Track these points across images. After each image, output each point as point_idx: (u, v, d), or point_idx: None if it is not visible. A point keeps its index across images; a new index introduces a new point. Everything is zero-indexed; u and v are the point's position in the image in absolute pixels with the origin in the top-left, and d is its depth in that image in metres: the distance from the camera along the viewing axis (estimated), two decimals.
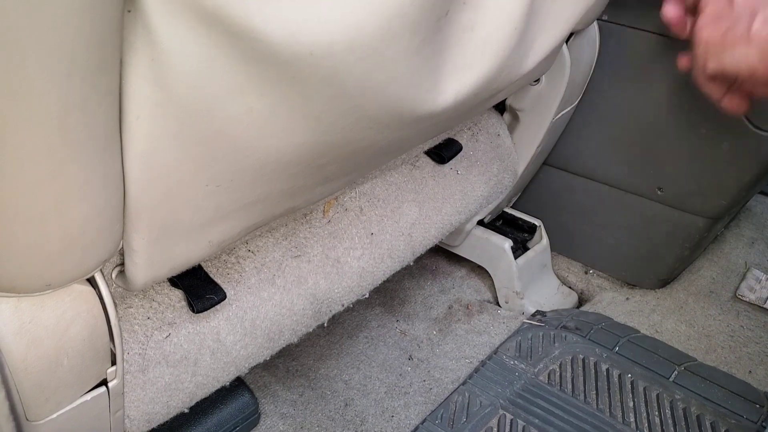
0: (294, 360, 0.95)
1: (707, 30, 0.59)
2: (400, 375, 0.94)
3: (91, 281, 0.48)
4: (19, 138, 0.34)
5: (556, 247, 1.14)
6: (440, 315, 1.06)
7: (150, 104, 0.39)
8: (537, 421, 0.82)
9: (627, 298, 1.07)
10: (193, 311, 0.61)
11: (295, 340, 0.72)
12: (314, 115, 0.45)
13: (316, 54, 0.40)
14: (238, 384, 0.84)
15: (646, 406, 0.85)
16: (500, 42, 0.53)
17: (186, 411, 0.64)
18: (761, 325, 0.99)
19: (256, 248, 0.68)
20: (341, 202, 0.76)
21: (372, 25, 0.41)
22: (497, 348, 0.94)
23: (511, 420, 0.83)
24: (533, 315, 1.02)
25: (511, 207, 1.14)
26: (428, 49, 0.47)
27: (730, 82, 0.62)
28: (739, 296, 1.04)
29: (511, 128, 0.97)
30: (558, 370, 0.90)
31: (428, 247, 0.88)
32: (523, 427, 0.82)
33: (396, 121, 0.51)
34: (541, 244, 1.10)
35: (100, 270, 0.48)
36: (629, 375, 0.88)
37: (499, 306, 1.09)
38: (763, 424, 0.81)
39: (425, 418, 0.84)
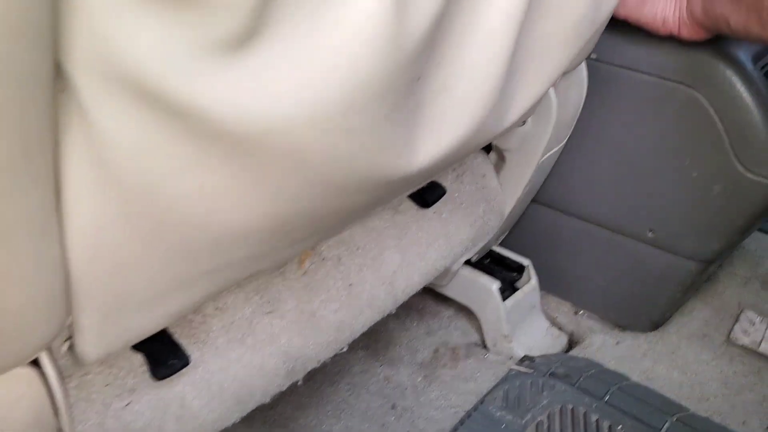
0: (271, 409, 0.92)
1: None
2: (383, 425, 0.91)
3: (36, 361, 0.45)
4: None
5: (545, 286, 1.11)
6: (426, 359, 1.02)
7: (90, 184, 0.36)
8: None
9: (618, 342, 1.03)
10: (154, 378, 0.58)
11: (267, 400, 0.68)
12: (274, 187, 0.42)
13: (272, 131, 0.37)
14: None
15: None
16: (478, 101, 0.51)
17: None
18: (755, 371, 0.96)
19: (224, 306, 0.64)
20: (318, 251, 0.73)
21: (333, 98, 0.38)
22: (484, 397, 0.91)
23: None
24: (521, 360, 0.99)
25: (500, 245, 1.10)
26: (399, 114, 0.44)
27: None
28: (733, 339, 1.01)
29: (498, 168, 0.95)
30: (546, 421, 0.87)
31: (411, 294, 0.85)
32: None
33: (366, 186, 0.48)
34: (530, 284, 1.06)
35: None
36: (620, 426, 0.85)
37: (487, 349, 1.05)
38: None
39: None
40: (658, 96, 0.86)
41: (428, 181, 0.74)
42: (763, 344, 0.99)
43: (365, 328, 0.78)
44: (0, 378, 0.42)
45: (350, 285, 0.74)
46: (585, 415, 0.87)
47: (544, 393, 0.90)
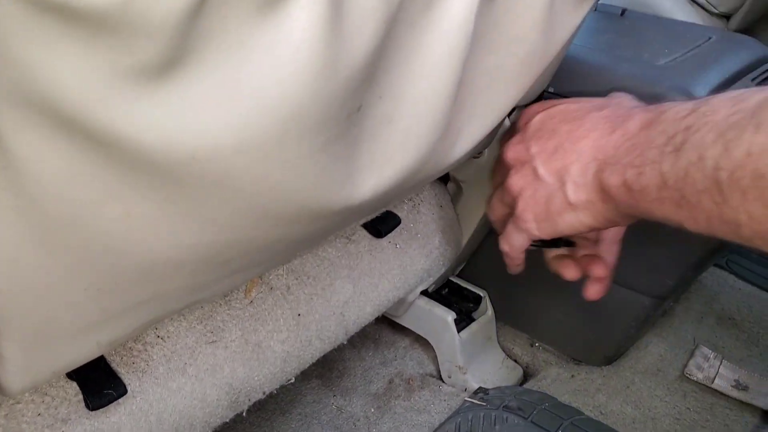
0: None
1: (528, 206, 0.63)
2: None
3: None
4: None
5: (502, 317, 1.11)
6: (380, 390, 1.01)
7: (8, 212, 0.35)
8: None
9: (572, 376, 1.03)
10: (88, 408, 0.56)
11: None
12: (206, 216, 0.41)
13: (199, 158, 0.36)
14: None
15: None
16: (423, 134, 0.50)
17: None
18: (708, 407, 0.96)
19: (166, 334, 0.63)
20: (266, 280, 0.72)
21: (264, 127, 0.37)
22: (435, 430, 0.90)
23: None
24: (475, 392, 0.98)
25: (458, 275, 1.10)
26: (338, 145, 0.44)
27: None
28: (687, 375, 1.01)
29: (455, 199, 0.94)
30: None
31: (363, 325, 0.84)
32: None
33: (306, 217, 0.47)
34: (486, 315, 1.06)
35: None
36: None
37: (442, 380, 1.04)
38: None
39: None
40: None
41: (379, 211, 0.74)
42: (716, 380, 0.99)
43: (314, 360, 0.77)
44: None
45: (299, 315, 0.73)
46: None
47: (497, 426, 0.89)
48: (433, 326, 1.03)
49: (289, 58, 0.35)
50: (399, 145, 0.50)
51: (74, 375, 0.57)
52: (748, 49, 0.97)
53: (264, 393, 0.71)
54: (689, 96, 0.83)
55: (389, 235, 0.84)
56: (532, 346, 1.10)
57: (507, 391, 0.98)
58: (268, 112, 0.37)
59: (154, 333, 0.62)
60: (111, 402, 0.57)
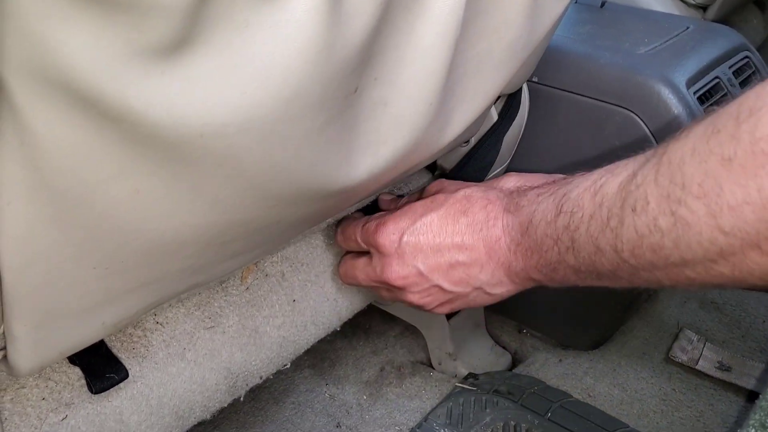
0: (215, 428, 0.91)
1: (443, 308, 0.69)
2: None
3: None
4: None
5: (490, 305, 1.12)
6: (372, 378, 1.03)
7: (22, 188, 0.36)
8: None
9: (560, 360, 1.05)
10: (91, 392, 0.57)
11: (208, 416, 0.68)
12: (210, 195, 0.42)
13: (206, 136, 0.37)
14: None
15: None
16: (415, 117, 0.52)
17: None
18: (693, 387, 0.98)
19: (165, 320, 0.64)
20: (261, 267, 0.73)
21: (268, 106, 0.38)
22: (427, 415, 0.91)
23: None
24: (465, 378, 1.00)
25: None
26: (336, 126, 0.45)
27: None
28: (672, 357, 1.03)
29: None
30: None
31: (356, 311, 0.85)
32: None
33: (304, 198, 0.49)
34: None
35: None
36: None
37: (432, 367, 1.06)
38: None
39: None
40: (597, 117, 0.88)
41: (371, 198, 0.75)
42: (700, 362, 1.01)
43: (309, 345, 0.78)
44: None
45: (294, 301, 0.74)
46: (527, 431, 0.88)
47: (488, 410, 0.91)
48: (423, 314, 1.05)
49: (292, 38, 0.37)
50: (393, 127, 0.51)
51: (77, 360, 0.58)
52: (725, 38, 0.99)
53: (261, 378, 0.72)
54: (669, 84, 0.85)
55: None
56: (520, 332, 1.12)
57: (497, 376, 1.00)
58: (272, 91, 0.38)
59: (153, 319, 0.64)
60: (113, 385, 0.58)
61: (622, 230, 0.48)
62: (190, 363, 0.64)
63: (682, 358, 1.03)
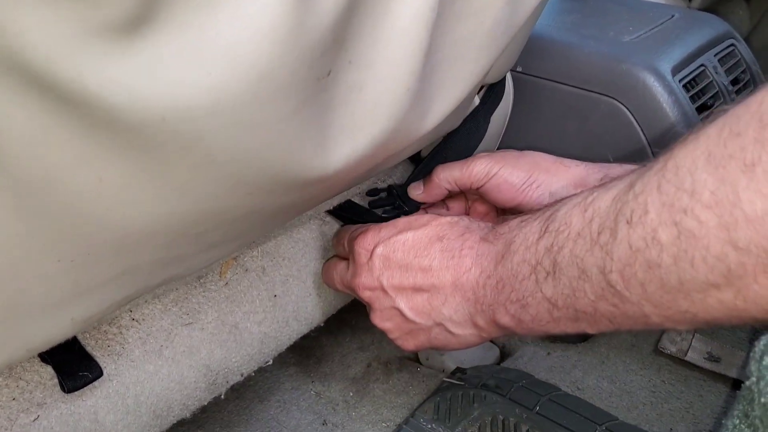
0: (199, 428, 0.89)
1: (403, 341, 0.67)
2: None
3: None
4: None
5: None
6: (358, 374, 1.01)
7: None
8: None
9: (548, 353, 1.04)
10: (64, 391, 0.55)
11: (188, 415, 0.66)
12: (178, 183, 0.41)
13: (169, 120, 0.36)
14: None
15: None
16: (392, 103, 0.50)
17: None
18: (682, 379, 0.98)
19: (141, 317, 0.62)
20: (241, 262, 0.72)
21: (236, 87, 0.37)
22: (414, 410, 0.90)
23: None
24: (453, 372, 0.99)
25: None
26: (309, 110, 0.44)
27: None
28: (661, 348, 1.02)
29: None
30: None
31: (340, 306, 0.84)
32: None
33: (280, 186, 0.47)
34: None
35: None
36: None
37: (420, 363, 1.05)
38: None
39: None
40: (583, 106, 0.87)
41: (352, 186, 0.73)
42: (689, 353, 1.01)
43: (291, 341, 0.76)
44: None
45: (275, 296, 0.73)
46: (516, 425, 0.86)
47: (475, 404, 0.90)
48: None
49: (257, 17, 0.35)
50: (370, 113, 0.50)
51: (49, 358, 0.56)
52: (710, 26, 0.98)
53: (242, 375, 0.71)
54: (655, 72, 0.84)
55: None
56: None
57: (484, 370, 0.99)
58: (239, 73, 0.36)
59: (129, 316, 0.62)
60: (87, 384, 0.56)
61: (614, 246, 0.43)
62: (168, 360, 0.63)
63: (671, 349, 1.02)
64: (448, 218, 0.63)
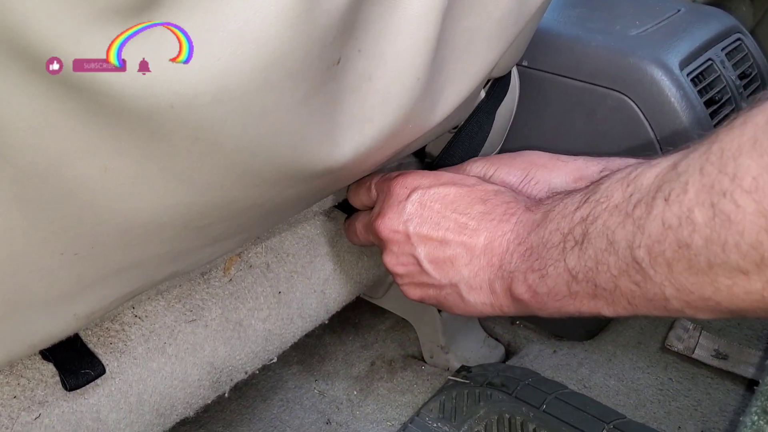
0: (201, 427, 0.88)
1: (412, 290, 0.64)
2: None
3: None
4: None
5: None
6: (362, 373, 1.00)
7: None
8: None
9: (554, 351, 1.03)
10: (66, 389, 0.54)
11: (191, 413, 0.65)
12: (185, 173, 0.40)
13: (177, 107, 0.35)
14: None
15: None
16: (402, 93, 0.49)
17: None
18: (689, 377, 0.97)
19: (144, 313, 0.61)
20: (245, 258, 0.70)
21: (244, 74, 0.36)
22: (420, 409, 0.89)
23: None
24: (458, 371, 0.98)
25: None
26: (318, 99, 0.43)
27: None
28: (668, 346, 1.01)
29: None
30: (483, 431, 0.85)
31: (344, 304, 0.83)
32: None
33: (287, 177, 0.46)
34: None
35: None
36: None
37: (424, 361, 1.04)
38: None
39: None
40: (590, 101, 0.86)
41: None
42: (696, 350, 1.00)
43: (296, 339, 0.75)
44: None
45: (279, 293, 0.72)
46: (522, 424, 0.85)
47: (481, 403, 0.89)
48: (414, 307, 1.03)
49: (268, 1, 0.34)
50: (379, 103, 0.49)
51: (50, 355, 0.55)
52: (717, 20, 0.97)
53: (246, 373, 0.69)
54: (662, 66, 0.83)
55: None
56: (512, 323, 1.10)
57: (490, 368, 0.98)
58: (248, 59, 0.35)
59: (132, 312, 0.61)
60: (89, 382, 0.55)
61: (647, 221, 0.42)
62: (171, 358, 0.62)
63: (678, 347, 1.01)
64: (494, 186, 0.61)
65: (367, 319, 1.11)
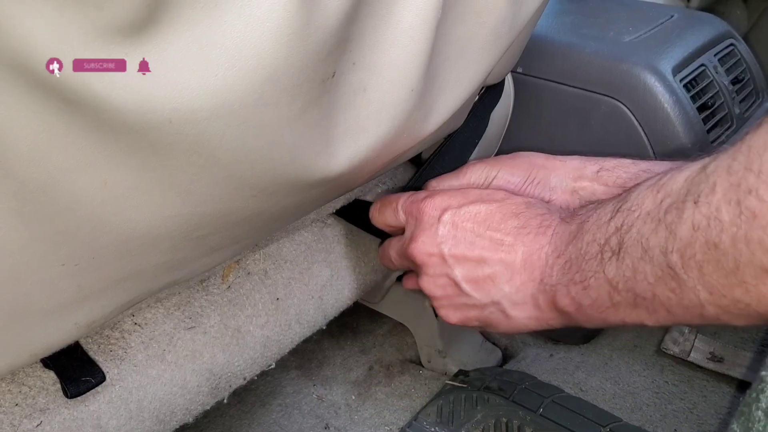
0: None
1: (452, 314, 0.64)
2: None
3: None
4: None
5: None
6: (360, 377, 1.01)
7: None
8: None
9: (551, 355, 1.04)
10: (67, 396, 0.55)
11: (191, 419, 0.66)
12: (183, 185, 0.40)
13: (176, 122, 0.35)
14: None
15: None
16: (396, 104, 0.50)
17: None
18: (685, 379, 0.97)
19: (143, 321, 0.62)
20: (243, 265, 0.71)
21: (241, 90, 0.36)
22: (417, 413, 0.90)
23: None
24: (456, 375, 0.98)
25: None
26: (314, 112, 0.43)
27: None
28: (663, 349, 1.02)
29: None
30: None
31: (342, 309, 0.83)
32: None
33: (284, 188, 0.47)
34: None
35: None
36: None
37: (422, 365, 1.04)
38: None
39: None
40: (584, 107, 0.87)
41: (354, 188, 0.73)
42: (692, 353, 1.00)
43: (294, 344, 0.76)
44: None
45: (277, 299, 0.73)
46: (519, 427, 0.86)
47: (479, 407, 0.89)
48: (412, 311, 1.03)
49: (263, 18, 0.35)
50: (373, 114, 0.49)
51: (51, 364, 0.56)
52: (710, 26, 0.98)
53: (245, 379, 0.70)
54: (656, 72, 0.84)
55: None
56: None
57: (487, 372, 0.98)
58: (244, 75, 0.36)
59: (131, 320, 0.62)
60: (89, 389, 0.56)
61: (678, 225, 0.42)
62: (171, 365, 0.62)
63: (674, 350, 1.02)
64: (524, 198, 0.61)
65: (364, 323, 1.12)
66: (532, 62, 0.90)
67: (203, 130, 0.37)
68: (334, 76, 0.44)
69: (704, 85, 0.89)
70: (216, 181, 0.42)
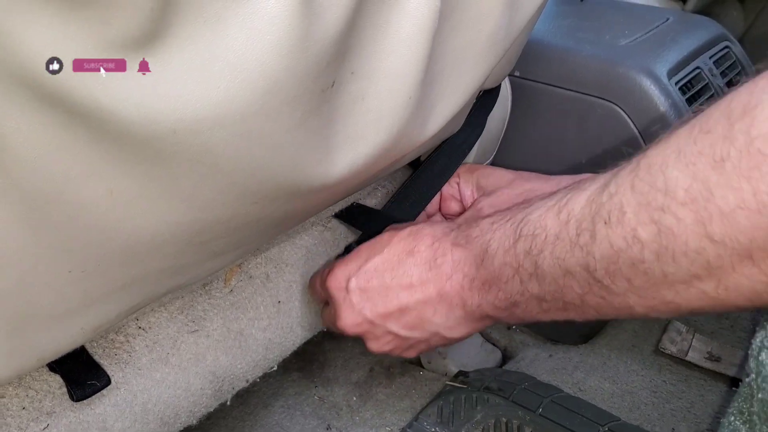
0: None
1: (405, 353, 0.67)
2: None
3: None
4: None
5: None
6: (361, 378, 1.02)
7: None
8: None
9: (550, 355, 1.05)
10: (73, 399, 0.56)
11: (195, 422, 0.67)
12: (187, 193, 0.42)
13: (180, 132, 0.36)
14: None
15: None
16: (395, 111, 0.51)
17: None
18: (683, 379, 0.98)
19: (147, 325, 0.63)
20: (245, 269, 0.72)
21: (243, 101, 0.37)
22: (418, 414, 0.91)
23: None
24: (456, 376, 0.99)
25: None
26: (314, 121, 0.44)
27: None
28: (661, 349, 1.03)
29: None
30: None
31: None
32: None
33: (284, 194, 0.48)
34: None
35: None
36: None
37: (422, 367, 1.05)
38: None
39: None
40: (580, 110, 0.88)
41: (352, 194, 0.74)
42: (690, 353, 1.01)
43: (296, 347, 0.77)
44: None
45: (279, 302, 0.74)
46: (519, 427, 0.87)
47: (478, 407, 0.90)
48: None
49: (265, 31, 0.36)
50: (372, 122, 0.50)
51: (57, 367, 0.57)
52: (705, 29, 0.99)
53: (247, 381, 0.71)
54: (651, 75, 0.85)
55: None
56: (509, 329, 1.12)
57: (487, 373, 0.99)
58: (246, 86, 0.37)
59: (135, 324, 0.63)
60: (95, 392, 0.57)
61: (594, 246, 0.44)
62: (175, 368, 0.63)
63: (672, 349, 1.03)
64: (407, 230, 0.63)
65: None
66: (528, 66, 0.91)
67: (206, 140, 0.38)
68: (333, 85, 0.45)
69: (700, 87, 0.90)
70: (219, 189, 0.43)
